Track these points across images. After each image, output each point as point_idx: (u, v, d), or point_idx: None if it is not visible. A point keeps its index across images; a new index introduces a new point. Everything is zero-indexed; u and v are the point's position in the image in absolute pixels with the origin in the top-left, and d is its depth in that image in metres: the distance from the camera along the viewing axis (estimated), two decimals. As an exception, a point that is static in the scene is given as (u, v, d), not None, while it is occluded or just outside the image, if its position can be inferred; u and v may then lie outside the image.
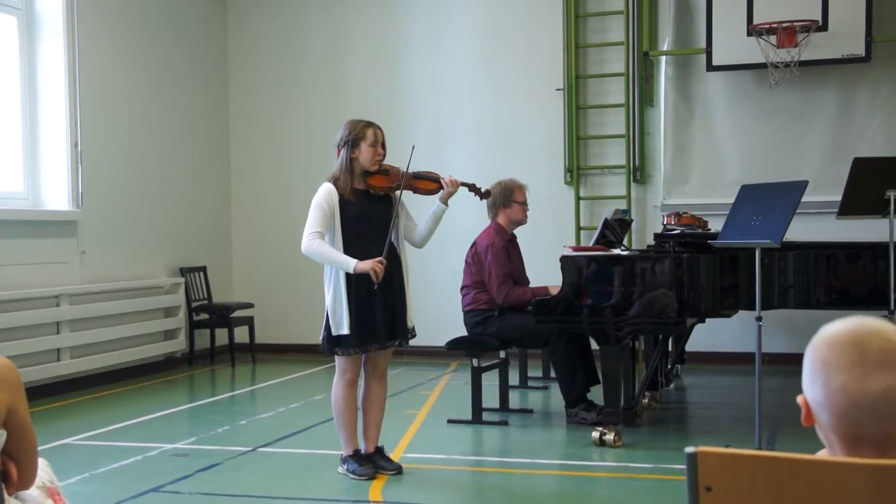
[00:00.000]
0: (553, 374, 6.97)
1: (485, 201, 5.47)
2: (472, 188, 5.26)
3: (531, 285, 6.64)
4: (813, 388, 1.56)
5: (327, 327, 4.87)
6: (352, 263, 4.74)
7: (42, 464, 2.54)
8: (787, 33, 7.95)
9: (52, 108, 7.91)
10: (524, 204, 6.63)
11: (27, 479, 2.33)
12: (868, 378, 1.50)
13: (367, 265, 4.73)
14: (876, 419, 1.52)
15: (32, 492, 2.39)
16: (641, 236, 8.91)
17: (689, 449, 1.53)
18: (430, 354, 8.82)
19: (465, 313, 6.53)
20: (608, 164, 9.17)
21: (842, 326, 1.56)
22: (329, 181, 4.92)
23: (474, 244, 6.57)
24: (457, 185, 5.09)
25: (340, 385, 4.97)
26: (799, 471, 1.48)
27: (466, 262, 6.56)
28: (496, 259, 6.38)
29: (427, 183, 5.11)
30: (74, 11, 7.93)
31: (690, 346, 8.12)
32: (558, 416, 6.50)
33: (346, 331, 4.80)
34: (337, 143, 4.98)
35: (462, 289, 6.58)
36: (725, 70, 8.50)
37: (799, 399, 1.61)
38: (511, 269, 6.47)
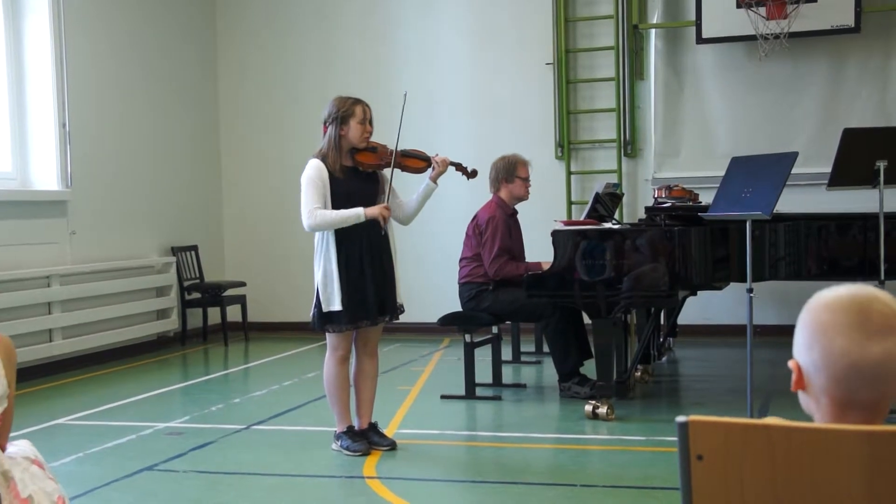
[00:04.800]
0: (546, 349, 6.98)
1: (474, 180, 5.44)
2: (460, 167, 5.24)
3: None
4: (810, 352, 1.56)
5: (318, 304, 4.87)
6: (361, 211, 4.79)
7: (26, 444, 2.72)
8: (776, 5, 7.94)
9: (40, 87, 7.85)
10: (526, 180, 6.62)
11: (3, 443, 2.60)
12: (870, 342, 1.51)
13: (375, 210, 4.81)
14: (871, 384, 1.53)
15: (20, 459, 2.58)
16: (632, 210, 8.92)
17: (681, 418, 1.53)
18: (422, 331, 8.83)
19: (461, 285, 6.54)
20: (599, 138, 9.15)
21: (841, 291, 1.56)
22: (317, 157, 4.91)
23: (475, 217, 6.57)
24: (446, 164, 5.08)
25: (332, 362, 4.98)
26: (790, 438, 1.49)
27: (467, 234, 6.57)
28: (496, 233, 6.38)
29: (415, 161, 5.10)
30: (60, -11, 7.87)
31: (682, 319, 8.14)
32: (551, 390, 6.53)
33: (337, 307, 4.81)
34: (324, 120, 4.96)
35: (461, 260, 6.59)
36: (715, 42, 8.48)
37: (791, 363, 1.61)
38: (510, 244, 6.47)
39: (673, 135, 8.85)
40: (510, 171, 6.57)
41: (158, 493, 4.48)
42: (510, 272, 6.32)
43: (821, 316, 1.56)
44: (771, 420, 1.63)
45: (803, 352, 1.58)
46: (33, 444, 2.75)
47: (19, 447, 2.67)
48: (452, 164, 5.15)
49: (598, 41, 9.11)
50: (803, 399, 1.62)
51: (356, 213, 4.80)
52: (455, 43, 9.42)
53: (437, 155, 5.12)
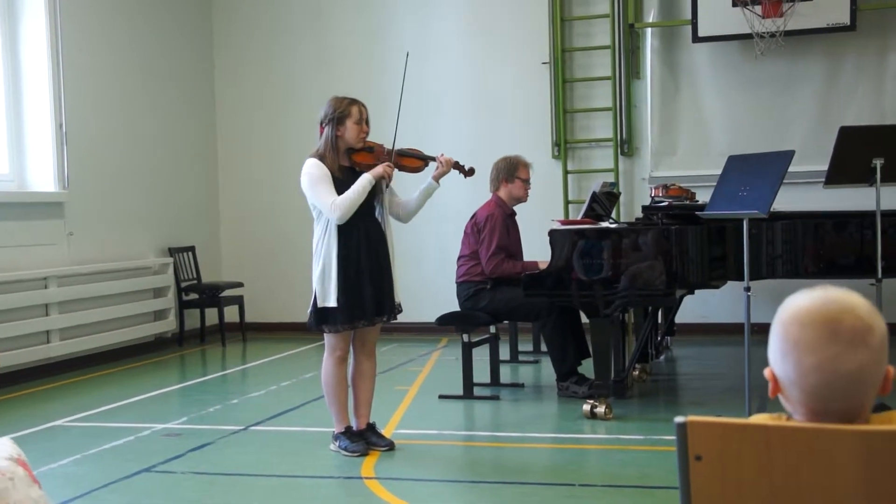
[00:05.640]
0: (544, 348, 6.98)
1: (473, 180, 5.44)
2: (457, 166, 5.24)
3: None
4: (784, 366, 1.56)
5: (315, 301, 4.86)
6: (368, 177, 4.83)
7: (7, 443, 2.68)
8: (772, 3, 7.95)
9: (36, 88, 7.84)
10: (527, 181, 6.63)
11: None
12: (840, 358, 1.50)
13: (378, 170, 4.85)
14: (845, 396, 1.52)
15: (2, 461, 2.52)
16: (629, 209, 8.91)
17: (679, 418, 1.53)
18: (420, 330, 8.83)
19: (458, 284, 6.54)
20: (595, 137, 9.15)
21: (812, 303, 1.54)
22: (314, 157, 4.91)
23: (474, 215, 6.58)
24: (450, 164, 5.09)
25: (330, 362, 4.98)
26: (787, 438, 1.49)
27: (465, 232, 6.57)
28: (494, 231, 6.39)
29: (412, 161, 5.11)
30: (56, -10, 7.86)
31: (680, 318, 8.14)
32: (549, 389, 6.52)
33: (332, 303, 4.80)
34: (321, 120, 4.96)
35: (459, 259, 6.59)
36: (711, 41, 8.49)
37: (766, 372, 1.60)
38: (508, 242, 6.47)
39: (669, 133, 8.86)
40: (511, 172, 6.58)
41: (156, 495, 4.48)
42: (507, 270, 6.32)
43: (791, 330, 1.55)
44: (760, 417, 1.63)
45: (777, 362, 1.57)
46: (15, 443, 2.71)
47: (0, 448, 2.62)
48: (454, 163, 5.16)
49: (595, 40, 9.10)
50: (784, 402, 1.62)
51: (366, 181, 4.82)
52: (451, 41, 9.42)
53: (442, 154, 5.13)
